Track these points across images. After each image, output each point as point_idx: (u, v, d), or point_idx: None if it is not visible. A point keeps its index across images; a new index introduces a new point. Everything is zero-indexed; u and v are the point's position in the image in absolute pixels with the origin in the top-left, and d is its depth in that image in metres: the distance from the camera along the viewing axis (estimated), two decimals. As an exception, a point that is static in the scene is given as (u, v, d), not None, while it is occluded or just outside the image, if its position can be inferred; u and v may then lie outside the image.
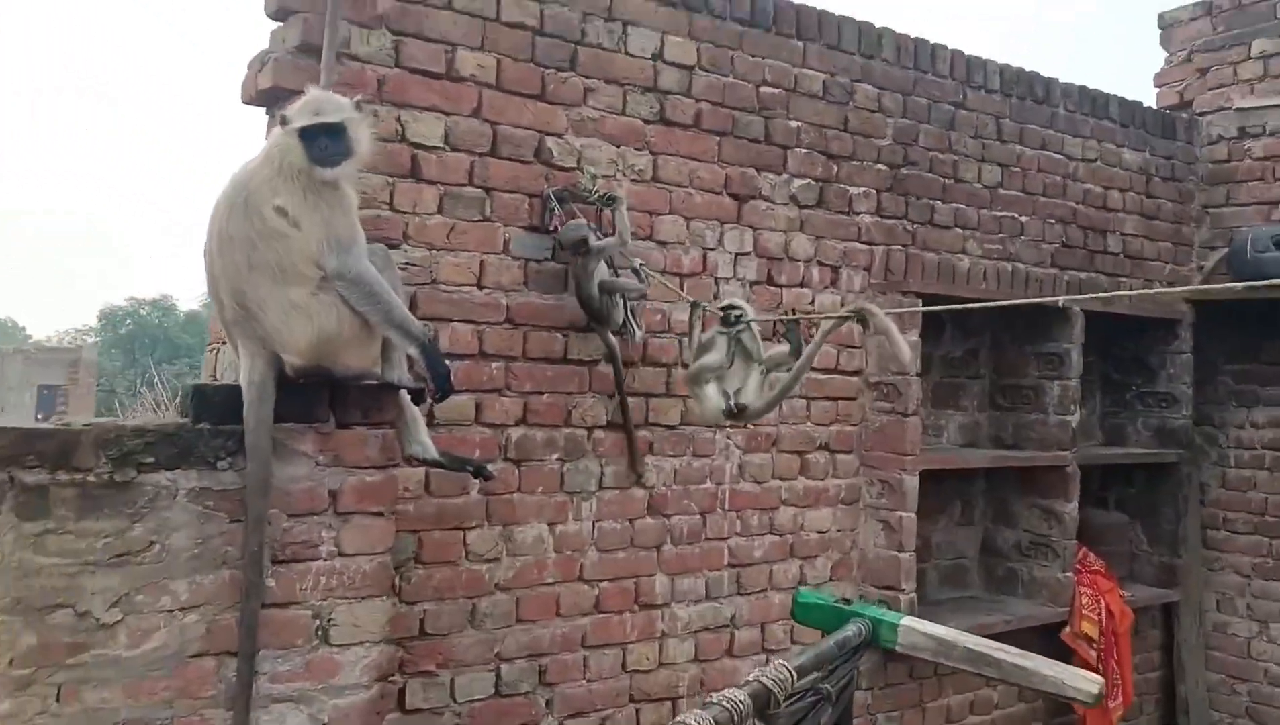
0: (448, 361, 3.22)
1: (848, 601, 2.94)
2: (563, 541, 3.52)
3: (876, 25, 4.31)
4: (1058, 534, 4.77)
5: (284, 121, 2.39)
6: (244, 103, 3.18)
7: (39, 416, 15.56)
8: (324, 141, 2.35)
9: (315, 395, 2.50)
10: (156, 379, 10.05)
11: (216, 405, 2.40)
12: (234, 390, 2.41)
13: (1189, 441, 5.36)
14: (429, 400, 2.69)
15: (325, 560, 2.52)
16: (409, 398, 2.72)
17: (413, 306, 3.21)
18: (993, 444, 4.98)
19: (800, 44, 4.07)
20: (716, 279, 3.87)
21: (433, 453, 2.85)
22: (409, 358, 2.61)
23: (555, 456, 3.51)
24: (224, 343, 3.08)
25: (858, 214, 4.26)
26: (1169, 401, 5.38)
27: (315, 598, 2.50)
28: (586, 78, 3.55)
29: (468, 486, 3.30)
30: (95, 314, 27.12)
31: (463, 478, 3.25)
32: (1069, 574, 4.76)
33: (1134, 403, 5.51)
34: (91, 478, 2.26)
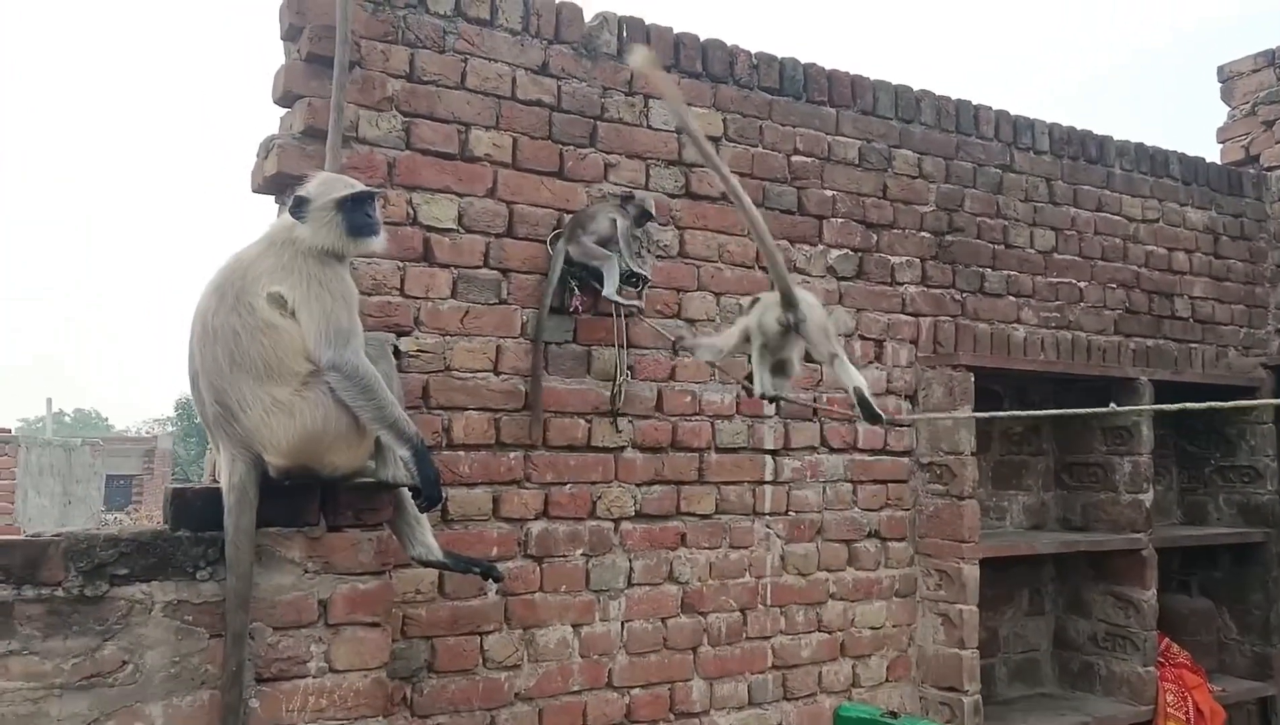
0: (460, 452, 3.07)
1: (895, 715, 2.64)
2: (589, 644, 3.28)
3: (915, 89, 4.12)
4: (1136, 624, 4.38)
5: (302, 202, 2.26)
6: (253, 191, 3.09)
7: (104, 509, 15.76)
8: (369, 209, 2.29)
9: (303, 497, 2.33)
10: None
11: (196, 510, 2.24)
12: (214, 494, 2.25)
13: (1277, 519, 4.94)
14: (422, 509, 2.50)
15: (315, 678, 2.32)
16: (409, 496, 2.53)
17: (425, 395, 3.05)
18: (1061, 526, 4.63)
19: (833, 111, 3.89)
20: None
21: (437, 554, 2.65)
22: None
23: (579, 551, 3.29)
24: (220, 440, 2.95)
25: (901, 284, 4.03)
26: (1252, 475, 4.98)
27: (304, 719, 2.30)
28: (607, 153, 3.41)
29: (484, 587, 3.09)
30: (173, 403, 27.72)
31: (479, 578, 3.04)
32: (1151, 668, 4.36)
33: (1214, 478, 5.11)
34: (60, 592, 2.10)
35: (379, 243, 2.34)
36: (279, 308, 2.17)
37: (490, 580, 2.92)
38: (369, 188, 2.31)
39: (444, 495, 2.43)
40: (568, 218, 3.30)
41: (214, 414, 2.21)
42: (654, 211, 3.37)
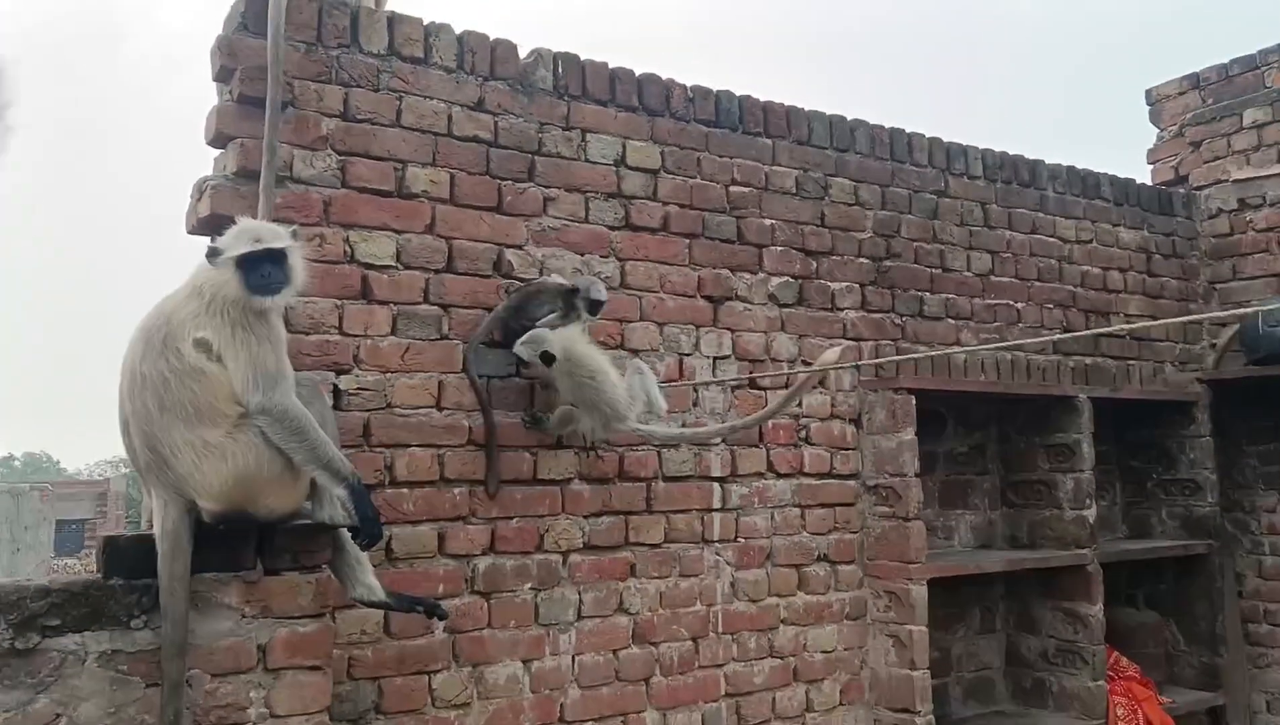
0: (403, 489, 3.05)
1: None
2: (540, 679, 3.26)
3: (849, 118, 4.21)
4: (1084, 639, 4.44)
5: (214, 252, 2.26)
6: (188, 232, 3.07)
7: (54, 556, 15.38)
8: (266, 269, 2.25)
9: (239, 541, 2.31)
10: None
11: (129, 558, 2.22)
12: (147, 541, 2.22)
13: (1218, 530, 5.05)
14: (361, 546, 2.48)
15: (255, 724, 2.29)
16: (349, 536, 2.51)
17: (366, 433, 3.03)
18: (1008, 544, 4.70)
19: (769, 141, 3.96)
20: (694, 385, 3.68)
21: (379, 594, 2.63)
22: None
23: (528, 586, 3.27)
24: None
25: (842, 309, 4.09)
26: (1193, 488, 5.08)
27: (244, 767, 2.26)
28: (546, 187, 3.43)
29: (431, 625, 3.07)
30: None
31: (424, 617, 3.01)
32: (1101, 682, 4.41)
33: (1156, 492, 5.21)
34: (-13, 647, 2.06)
35: (279, 301, 2.29)
36: (205, 352, 2.17)
37: (435, 618, 2.90)
38: (269, 246, 2.26)
39: (383, 534, 2.42)
40: (509, 252, 3.32)
41: (145, 460, 2.19)
42: (604, 298, 3.31)
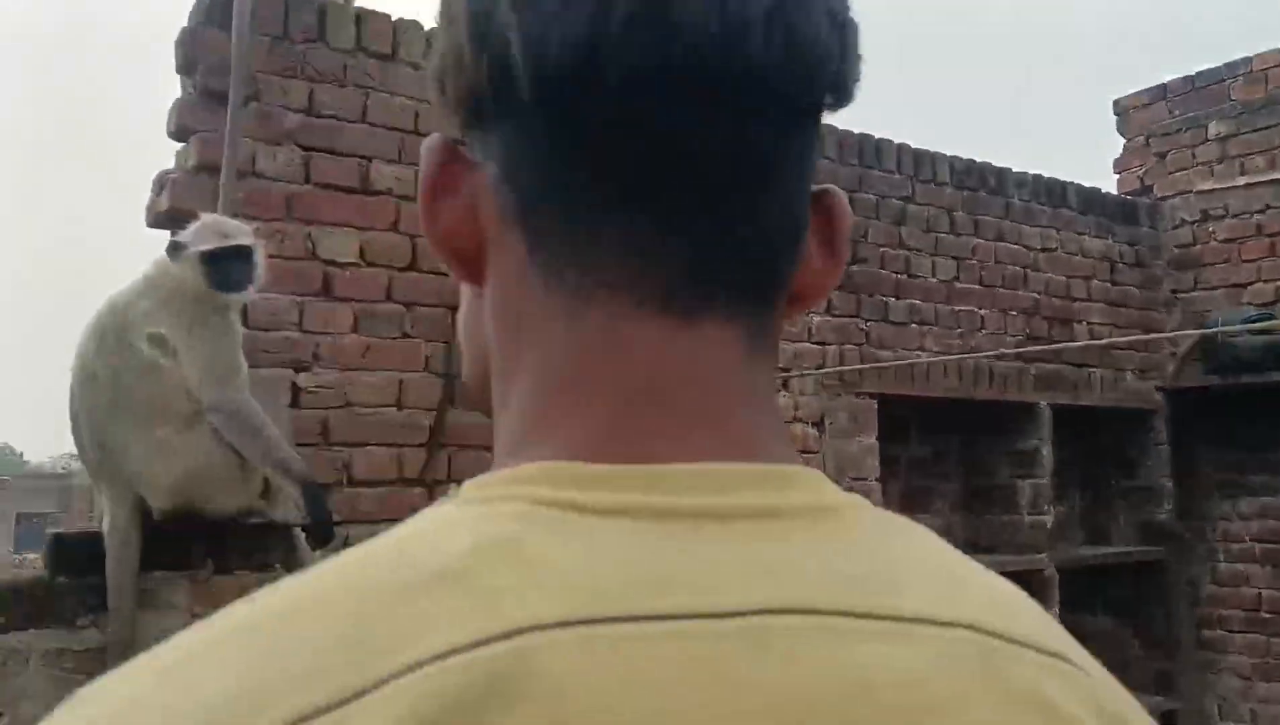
0: (361, 489, 3.04)
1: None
2: (496, 679, 3.25)
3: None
4: (1041, 643, 4.48)
5: (176, 247, 2.23)
6: (148, 226, 3.03)
7: (16, 552, 15.16)
8: (232, 266, 2.23)
9: (189, 540, 2.29)
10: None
11: (77, 556, 2.19)
12: (95, 538, 2.20)
13: (1174, 537, 5.12)
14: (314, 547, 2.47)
15: (203, 724, 2.27)
16: (303, 536, 2.50)
17: (325, 431, 3.02)
18: (969, 549, 4.67)
19: (738, 144, 3.96)
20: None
21: (335, 594, 2.61)
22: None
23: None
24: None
25: (807, 313, 4.11)
26: (1150, 495, 5.16)
27: (191, 768, 2.24)
28: (511, 186, 3.42)
29: (388, 624, 3.06)
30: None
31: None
32: (1056, 685, 4.46)
33: (1115, 498, 5.28)
34: (-72, 645, 2.04)
35: (244, 298, 2.29)
36: (160, 349, 2.15)
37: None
38: (237, 243, 2.24)
39: (335, 535, 2.40)
40: (472, 251, 3.31)
41: (95, 457, 2.17)
42: None
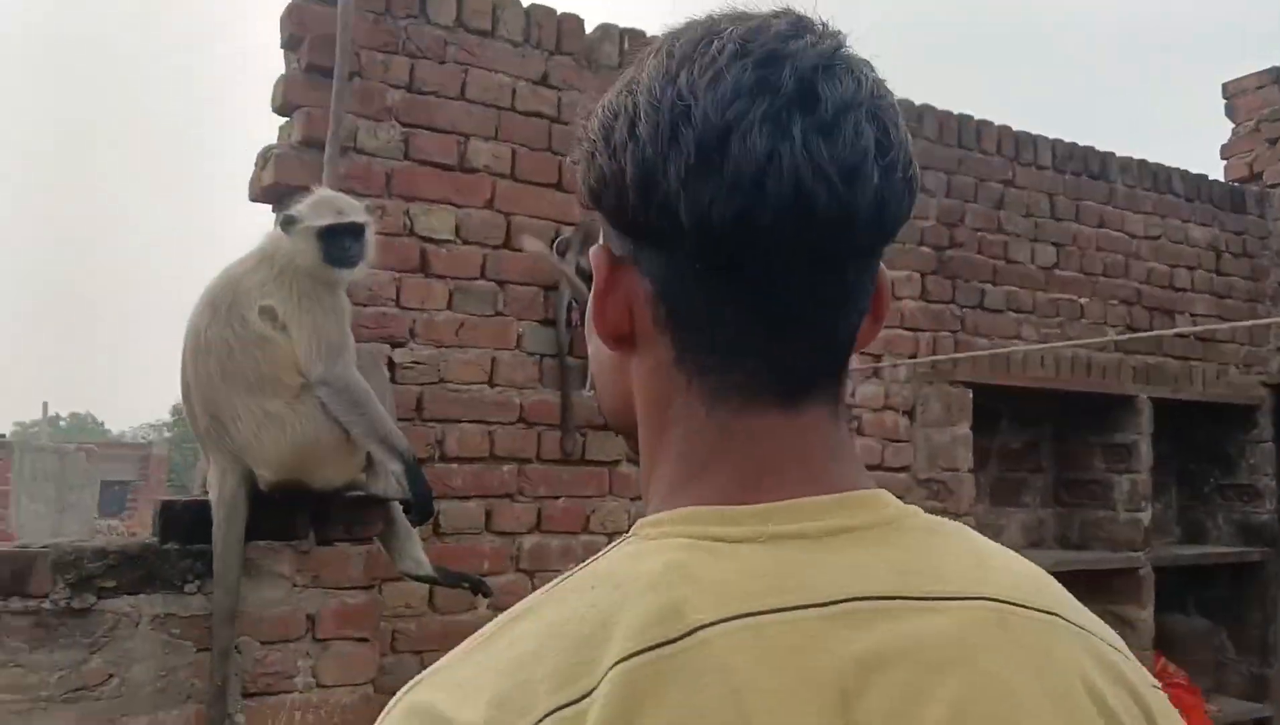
0: (453, 465, 3.06)
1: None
2: (581, 658, 3.25)
3: (917, 103, 4.11)
4: (1132, 643, 4.30)
5: (290, 221, 2.25)
6: (250, 200, 3.08)
7: (98, 517, 15.73)
8: (346, 242, 2.25)
9: (293, 511, 2.32)
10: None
11: (185, 523, 2.23)
12: (203, 506, 2.24)
13: (1276, 538, 4.91)
14: (414, 522, 2.49)
15: (301, 693, 2.31)
16: (400, 510, 2.52)
17: (419, 407, 3.03)
18: (1058, 544, 4.61)
19: (834, 125, 3.88)
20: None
21: (427, 569, 2.63)
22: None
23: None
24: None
25: (900, 299, 4.01)
26: (1251, 494, 4.95)
27: (290, 735, 2.28)
28: (605, 165, 3.39)
29: (475, 602, 3.07)
30: (169, 408, 27.51)
31: (469, 593, 3.02)
32: (1148, 688, 4.33)
33: (1213, 496, 5.08)
34: (48, 604, 2.09)
35: (356, 274, 2.32)
36: (270, 321, 2.17)
37: (480, 595, 2.90)
38: (353, 220, 2.26)
39: (435, 510, 2.42)
40: (567, 230, 3.29)
41: (205, 426, 2.20)
42: None
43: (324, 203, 2.28)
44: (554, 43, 3.32)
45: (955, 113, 4.21)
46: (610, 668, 0.49)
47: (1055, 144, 4.52)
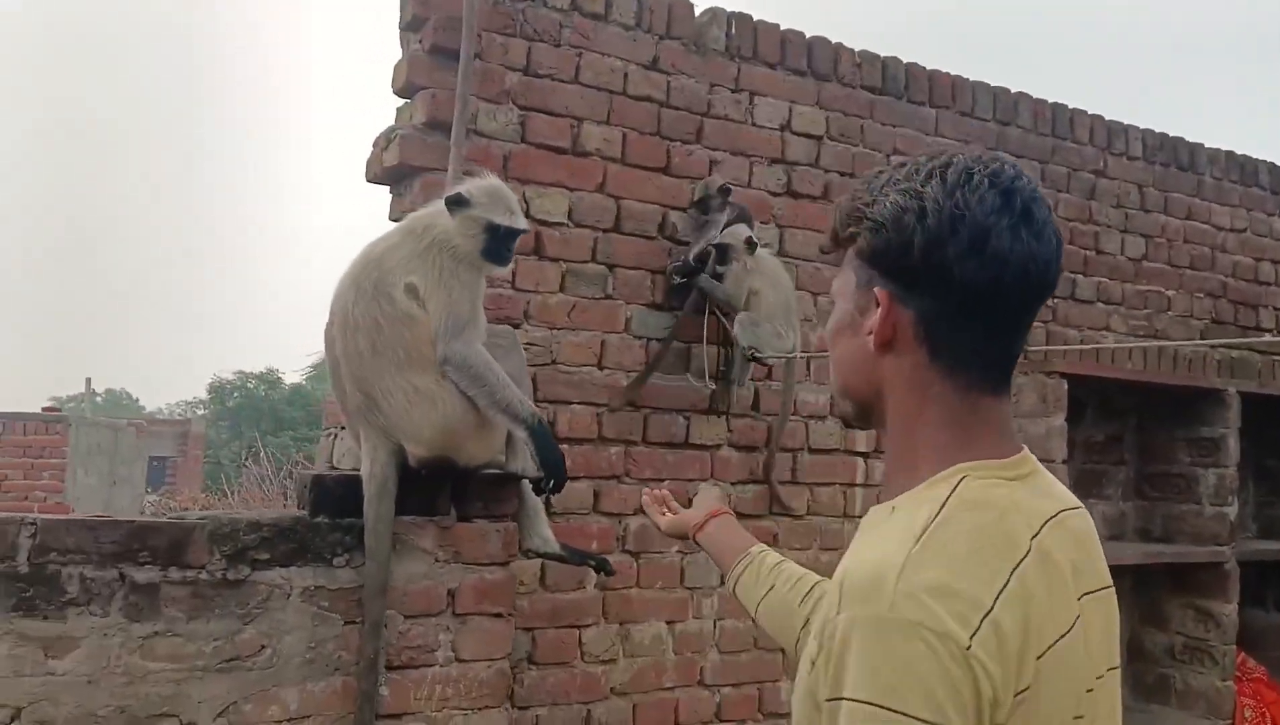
0: (564, 445, 3.07)
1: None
2: (683, 642, 3.28)
3: (1012, 90, 4.08)
4: (1215, 638, 4.32)
5: (461, 202, 2.27)
6: (368, 181, 3.10)
7: (149, 489, 15.93)
8: (510, 244, 2.33)
9: (436, 487, 2.34)
10: (263, 453, 10.19)
11: (336, 497, 2.26)
12: (354, 481, 2.27)
13: (1360, 536, 4.86)
14: (545, 491, 2.51)
15: (442, 666, 2.34)
16: (530, 488, 2.54)
17: (535, 388, 3.04)
18: (1140, 537, 4.58)
19: (932, 111, 3.86)
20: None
21: (554, 546, 2.65)
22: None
23: (675, 548, 3.28)
24: (342, 428, 2.96)
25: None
26: (1335, 492, 4.90)
27: (430, 708, 2.32)
28: (713, 150, 3.40)
29: (584, 580, 3.10)
30: (205, 386, 27.76)
31: (578, 571, 3.04)
32: (1229, 683, 4.30)
33: (1294, 493, 5.03)
34: (204, 575, 2.13)
35: (502, 272, 2.45)
36: (414, 298, 2.19)
37: (603, 574, 2.92)
38: (524, 227, 2.35)
39: (565, 477, 2.43)
40: (674, 214, 3.30)
41: (356, 403, 2.22)
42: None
43: (497, 197, 2.30)
44: (664, 26, 3.32)
45: (1050, 101, 4.18)
46: (1019, 562, 0.96)
47: (1145, 134, 4.47)
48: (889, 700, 0.88)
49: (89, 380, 20.10)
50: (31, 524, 2.01)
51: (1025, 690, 0.92)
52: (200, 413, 28.11)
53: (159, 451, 20.99)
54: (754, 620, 1.59)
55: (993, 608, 0.91)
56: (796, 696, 1.03)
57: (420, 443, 2.20)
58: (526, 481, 2.51)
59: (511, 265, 2.41)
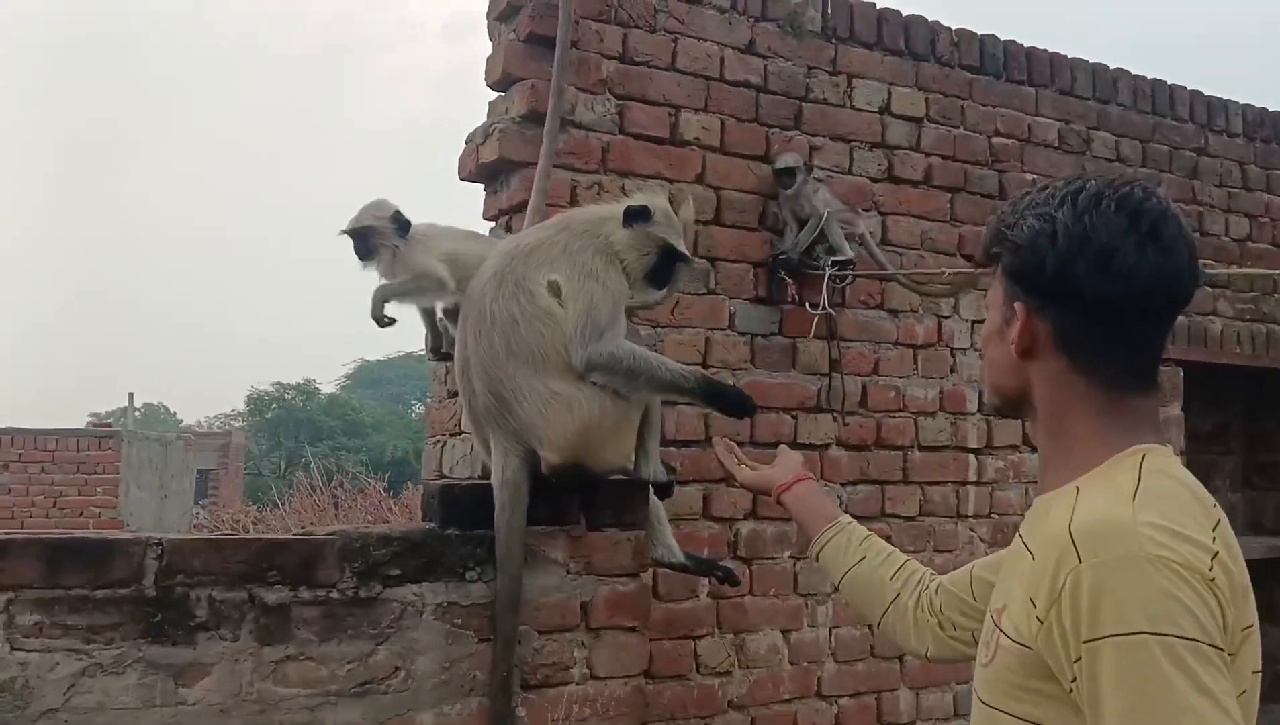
0: (671, 448, 2.94)
1: None
2: (798, 651, 3.13)
3: (1111, 67, 3.91)
4: (1336, 634, 4.11)
5: (644, 215, 2.17)
6: (461, 179, 2.99)
7: (199, 502, 15.96)
8: (677, 270, 2.28)
9: (565, 494, 2.21)
10: (311, 463, 10.15)
11: (465, 507, 2.14)
12: (484, 490, 2.14)
13: None
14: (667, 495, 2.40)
15: (578, 685, 2.21)
16: (655, 495, 2.41)
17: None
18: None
19: (1032, 91, 3.70)
20: (953, 349, 3.48)
21: (678, 555, 2.52)
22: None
23: (787, 553, 3.14)
24: (451, 435, 2.84)
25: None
26: None
27: (569, 729, 2.18)
28: (812, 135, 3.26)
29: (697, 589, 2.96)
30: (243, 398, 27.89)
31: (691, 580, 2.91)
32: (1354, 681, 4.09)
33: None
34: (335, 594, 2.01)
35: (657, 299, 2.35)
36: (556, 296, 2.07)
37: (726, 584, 2.78)
38: (688, 255, 2.30)
39: (754, 409, 2.42)
40: (772, 205, 3.16)
41: (486, 405, 2.10)
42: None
43: (673, 220, 2.24)
44: (759, 9, 3.18)
45: (1149, 77, 4.00)
46: (1216, 523, 1.07)
47: (1245, 110, 4.28)
48: (1160, 626, 0.95)
49: (131, 395, 20.14)
50: (158, 544, 1.90)
51: (1236, 652, 1.02)
52: (238, 425, 28.23)
53: (201, 464, 21.06)
54: (837, 587, 1.70)
55: (1216, 552, 1.01)
56: (985, 685, 1.13)
57: (555, 448, 2.06)
58: (653, 490, 2.38)
59: (662, 298, 2.35)
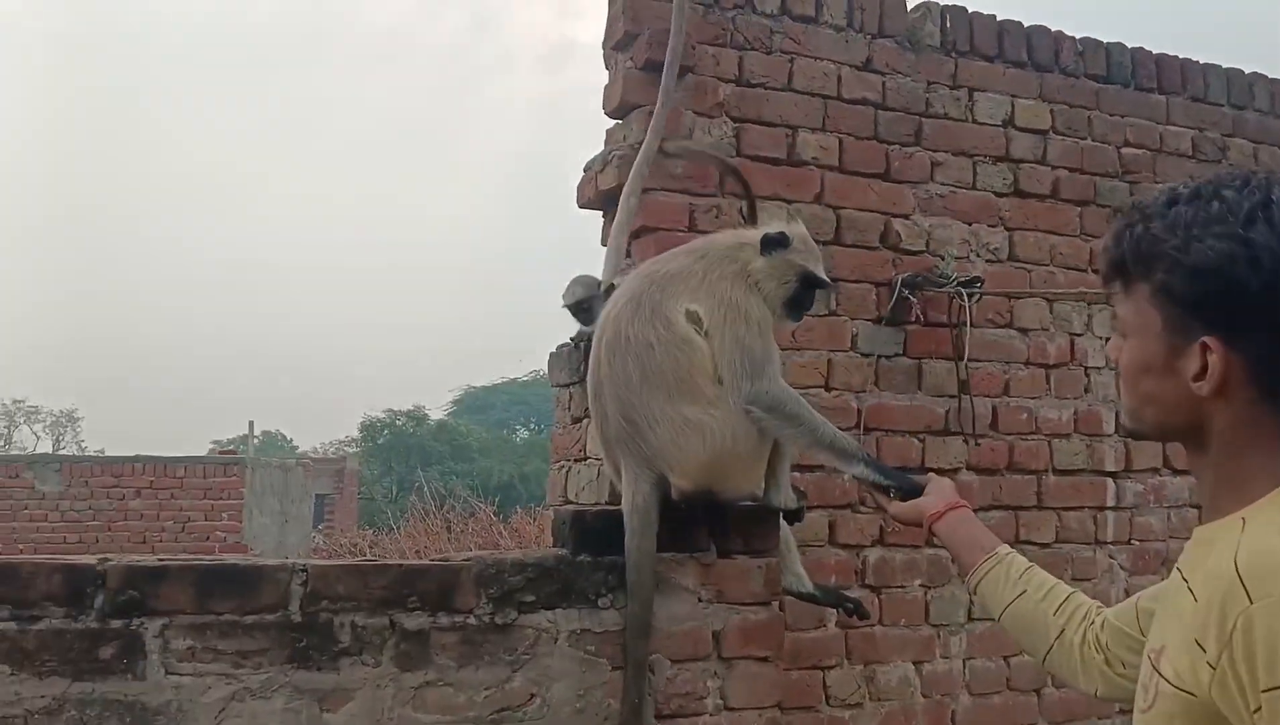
0: (795, 473, 2.89)
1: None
2: (930, 683, 3.03)
3: (1246, 72, 3.74)
4: None
5: (783, 243, 2.16)
6: (580, 206, 3.02)
7: (316, 526, 16.47)
8: (811, 298, 2.26)
9: (694, 521, 2.18)
10: (425, 488, 10.38)
11: (597, 533, 2.13)
12: (614, 516, 2.13)
13: None
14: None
15: (711, 715, 2.17)
16: (785, 523, 2.36)
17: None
18: None
19: (1163, 98, 3.55)
20: (1086, 368, 3.35)
21: (808, 585, 2.47)
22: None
23: (917, 582, 3.05)
24: (576, 460, 2.86)
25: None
26: None
27: (703, 761, 2.15)
28: (933, 151, 3.19)
29: (824, 618, 2.90)
30: (357, 425, 28.70)
31: (819, 609, 2.84)
32: None
33: None
34: (472, 620, 2.02)
35: (792, 326, 2.39)
36: (695, 325, 2.06)
37: (857, 617, 2.70)
38: (829, 282, 2.32)
39: (919, 490, 2.26)
40: (897, 222, 3.10)
41: (618, 430, 2.09)
42: None
43: (812, 246, 2.23)
44: (876, 25, 3.14)
45: (1290, 79, 3.81)
46: None
47: (1395, 108, 4.03)
48: None
49: (251, 423, 21.02)
50: (303, 571, 1.95)
51: None
52: (352, 451, 29.04)
53: (318, 489, 21.71)
54: (997, 620, 1.58)
55: None
56: None
57: (686, 475, 2.05)
58: (782, 517, 2.34)
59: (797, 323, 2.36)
